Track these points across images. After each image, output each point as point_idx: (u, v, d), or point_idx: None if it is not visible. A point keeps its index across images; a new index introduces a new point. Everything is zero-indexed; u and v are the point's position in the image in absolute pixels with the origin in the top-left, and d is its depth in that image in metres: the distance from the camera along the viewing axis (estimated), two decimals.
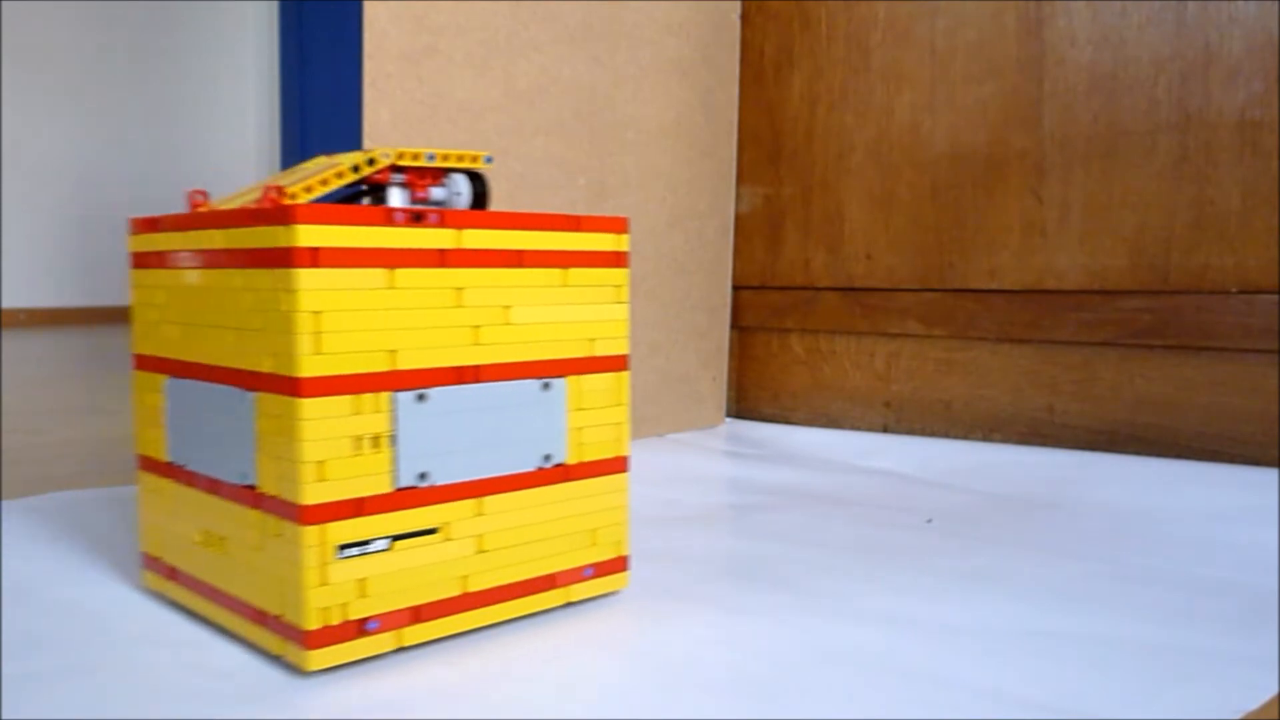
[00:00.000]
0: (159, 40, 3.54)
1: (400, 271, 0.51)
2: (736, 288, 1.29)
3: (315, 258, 0.48)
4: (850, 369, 1.20)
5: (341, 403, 0.49)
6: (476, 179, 0.58)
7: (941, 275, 1.14)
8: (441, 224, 0.52)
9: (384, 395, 0.50)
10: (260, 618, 0.51)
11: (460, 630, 0.53)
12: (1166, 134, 1.00)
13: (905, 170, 1.17)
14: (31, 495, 0.84)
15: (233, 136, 3.74)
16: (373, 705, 0.46)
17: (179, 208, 3.61)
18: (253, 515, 0.51)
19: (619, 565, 0.60)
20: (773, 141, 1.27)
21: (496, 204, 0.99)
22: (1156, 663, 0.50)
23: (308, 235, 0.48)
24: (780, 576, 0.64)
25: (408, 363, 0.51)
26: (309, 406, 0.48)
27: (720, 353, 1.26)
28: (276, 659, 0.51)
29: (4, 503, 0.80)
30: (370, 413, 0.50)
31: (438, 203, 0.58)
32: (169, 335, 0.57)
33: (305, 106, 3.60)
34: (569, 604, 0.59)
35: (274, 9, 3.73)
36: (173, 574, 0.58)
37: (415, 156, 0.56)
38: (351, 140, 3.40)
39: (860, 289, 1.19)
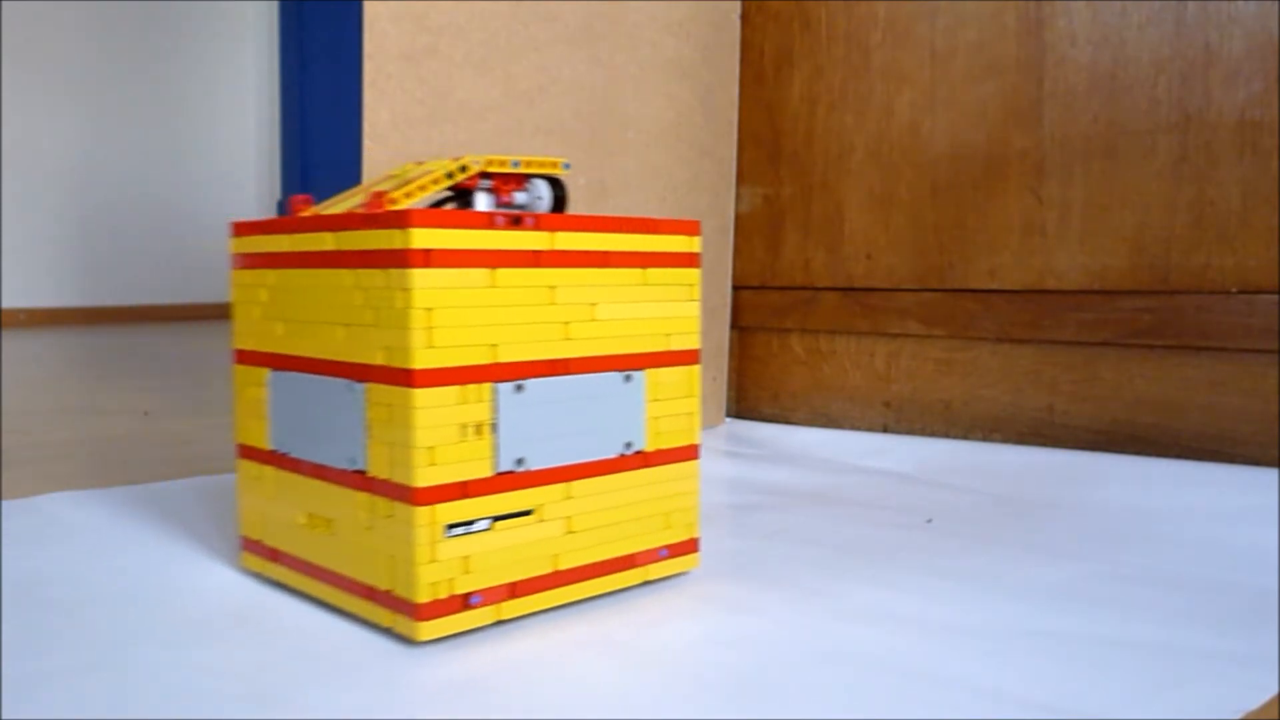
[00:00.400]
0: (159, 40, 3.54)
1: (501, 271, 0.54)
2: (736, 288, 1.29)
3: (428, 258, 0.51)
4: (850, 369, 1.20)
5: (450, 393, 0.52)
6: (556, 184, 0.62)
7: (941, 275, 1.14)
8: (536, 227, 0.56)
9: (486, 386, 0.54)
10: (370, 593, 0.54)
11: (551, 605, 0.57)
12: (1166, 134, 1.00)
13: (905, 170, 1.17)
14: (32, 495, 0.84)
15: (233, 136, 3.74)
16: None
17: (180, 208, 3.61)
18: (362, 498, 0.54)
19: (690, 546, 0.63)
20: (773, 141, 1.27)
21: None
22: (1156, 663, 0.50)
23: (421, 238, 0.51)
24: (779, 576, 0.64)
25: (507, 355, 0.55)
26: (421, 396, 0.51)
27: (720, 353, 1.26)
28: (385, 631, 0.54)
29: (4, 503, 0.80)
30: (474, 402, 0.53)
31: (520, 206, 0.61)
32: (273, 331, 0.60)
33: (305, 106, 3.60)
34: (646, 582, 0.62)
35: (274, 9, 3.74)
36: (274, 555, 0.61)
37: (501, 163, 0.60)
38: (352, 141, 3.40)
39: (860, 289, 1.19)
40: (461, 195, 0.61)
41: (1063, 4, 1.05)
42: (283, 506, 0.60)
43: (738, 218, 1.29)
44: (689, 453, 0.63)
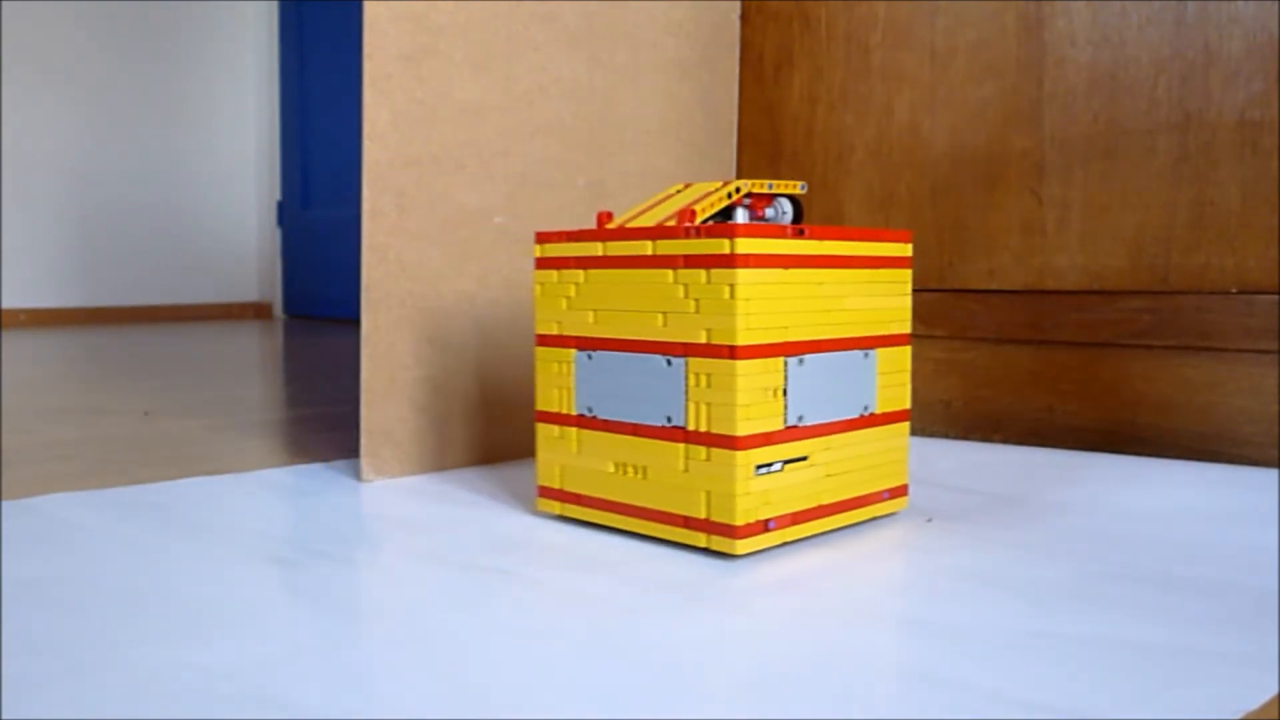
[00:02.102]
0: (159, 40, 3.54)
1: (790, 270, 0.69)
2: None
3: (748, 261, 0.67)
4: None
5: (758, 364, 0.67)
6: (795, 202, 0.78)
7: (941, 275, 1.14)
8: (809, 236, 0.71)
9: (780, 359, 0.69)
10: (686, 522, 0.69)
11: (814, 533, 0.73)
12: (1166, 134, 1.00)
13: (905, 171, 1.17)
14: (32, 496, 0.84)
15: (233, 136, 3.74)
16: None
17: (180, 208, 3.61)
18: (679, 447, 0.69)
19: (902, 491, 0.79)
20: (772, 142, 1.27)
21: (496, 207, 0.99)
22: (1156, 663, 0.50)
23: (744, 245, 0.66)
24: (777, 579, 0.64)
25: (793, 336, 0.70)
26: (742, 366, 0.66)
27: None
28: (701, 550, 0.69)
29: (4, 503, 0.80)
30: (773, 372, 0.68)
31: (769, 219, 0.77)
32: (582, 319, 0.75)
33: (305, 107, 3.60)
34: (874, 519, 0.78)
35: (274, 9, 3.73)
36: (576, 499, 0.76)
37: (759, 185, 0.76)
38: (351, 142, 3.40)
39: None
40: (724, 211, 0.76)
41: (1062, 4, 1.05)
42: (588, 458, 0.75)
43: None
44: (903, 415, 0.79)
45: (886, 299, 0.77)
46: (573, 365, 0.75)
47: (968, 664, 0.50)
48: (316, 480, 0.91)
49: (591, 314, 0.74)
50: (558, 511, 0.77)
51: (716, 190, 0.74)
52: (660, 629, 0.54)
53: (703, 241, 0.67)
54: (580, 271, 0.75)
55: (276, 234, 3.76)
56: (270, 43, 3.74)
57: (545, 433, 0.78)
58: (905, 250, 0.78)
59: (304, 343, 2.56)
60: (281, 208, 3.73)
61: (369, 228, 0.90)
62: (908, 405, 0.80)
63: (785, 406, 0.69)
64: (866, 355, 0.75)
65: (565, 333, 0.76)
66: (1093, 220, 1.04)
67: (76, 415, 1.29)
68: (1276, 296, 0.94)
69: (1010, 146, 1.09)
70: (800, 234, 0.70)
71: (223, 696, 0.46)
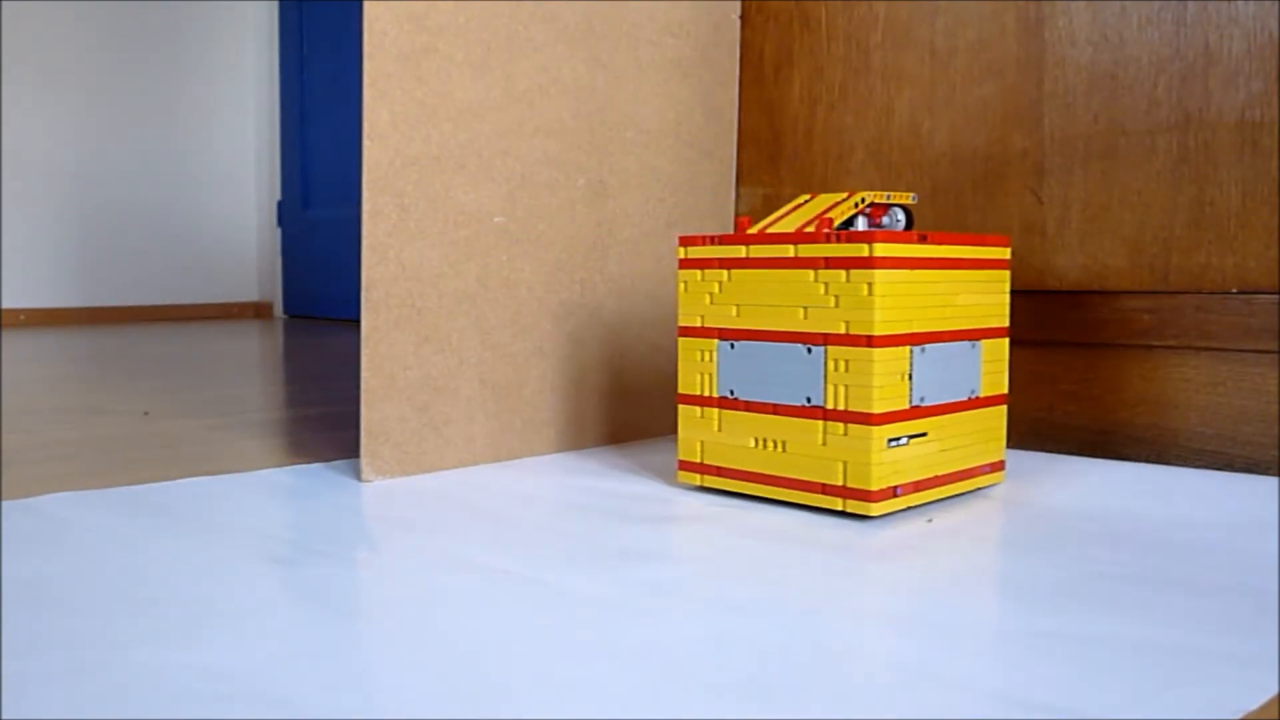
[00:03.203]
0: (159, 40, 3.54)
1: (914, 271, 0.79)
2: None
3: (884, 263, 0.77)
4: None
5: (889, 351, 0.78)
6: (907, 211, 0.89)
7: None
8: (929, 241, 0.81)
9: (905, 348, 0.79)
10: (824, 489, 0.80)
11: (931, 500, 0.83)
12: (1166, 134, 1.00)
13: (905, 171, 1.17)
14: (32, 496, 0.84)
15: (232, 136, 3.74)
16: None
17: (180, 208, 3.61)
18: (817, 424, 0.80)
19: (999, 466, 0.89)
20: (772, 142, 1.27)
21: (496, 207, 0.99)
22: (1156, 663, 0.50)
23: (881, 249, 0.77)
24: (775, 577, 0.64)
25: (916, 328, 0.80)
26: (878, 354, 0.77)
27: None
28: (838, 513, 0.80)
29: (4, 503, 0.80)
30: (900, 359, 0.79)
31: (885, 226, 0.88)
32: (723, 313, 0.85)
33: (305, 106, 3.60)
34: (978, 489, 0.88)
35: (274, 9, 3.74)
36: (717, 470, 0.86)
37: (879, 196, 0.87)
38: (351, 142, 3.40)
39: None
40: (848, 219, 0.86)
41: (1062, 4, 1.05)
42: (729, 435, 0.85)
43: (738, 218, 1.29)
44: (1001, 399, 0.89)
45: (989, 295, 0.87)
46: (715, 353, 0.86)
47: (966, 663, 0.50)
48: (316, 480, 0.91)
49: (735, 308, 0.85)
50: (698, 482, 0.88)
51: (844, 200, 0.86)
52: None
53: (844, 245, 0.78)
54: (724, 271, 0.85)
55: (277, 234, 3.76)
56: (270, 43, 3.75)
57: (687, 413, 0.88)
58: (1004, 253, 0.88)
59: (304, 343, 2.56)
60: (281, 207, 3.73)
61: (369, 227, 0.90)
62: (1005, 390, 0.89)
63: (910, 389, 0.80)
64: (973, 346, 0.85)
65: (708, 324, 0.87)
66: (1093, 220, 1.04)
67: (76, 415, 1.29)
68: (1276, 296, 0.94)
69: (1010, 146, 1.09)
70: (923, 239, 0.80)
71: (222, 696, 0.46)
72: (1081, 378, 1.05)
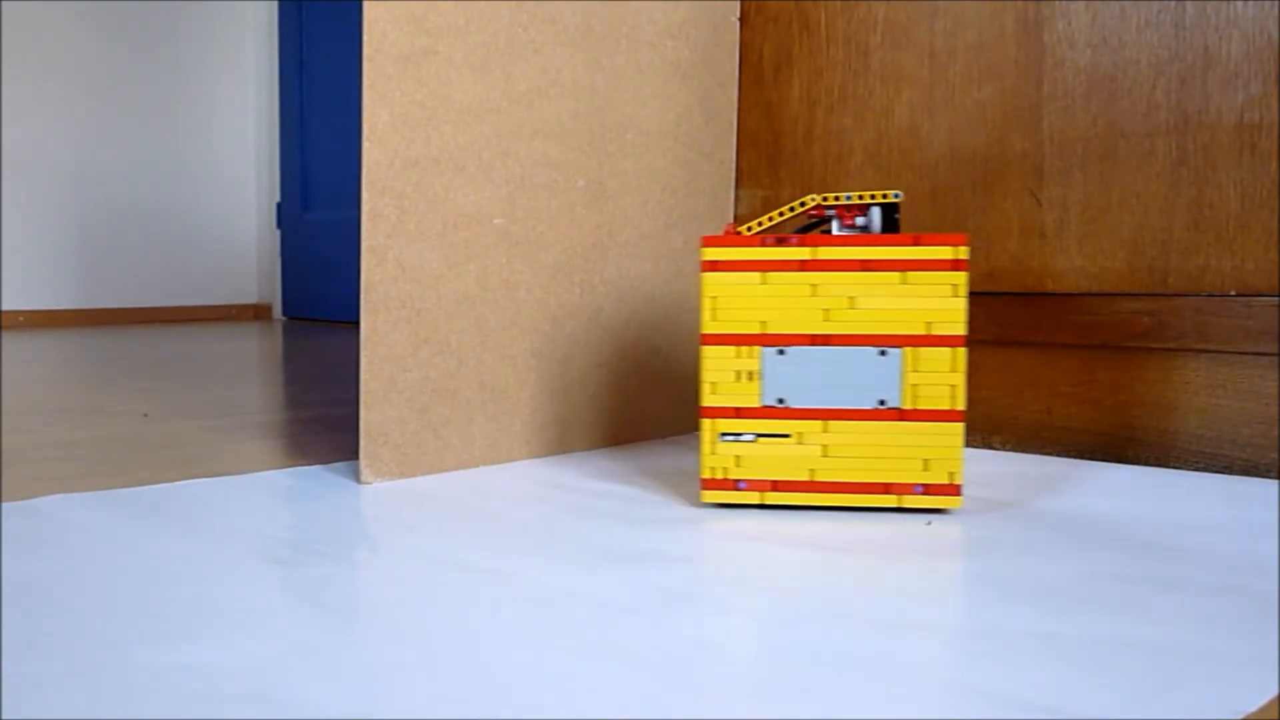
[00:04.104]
0: (158, 40, 3.54)
1: (772, 274, 0.80)
2: None
3: (713, 265, 0.81)
4: None
5: (722, 350, 0.81)
6: (889, 209, 0.82)
7: None
8: (800, 244, 0.80)
9: (753, 348, 0.81)
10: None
11: (812, 505, 0.81)
12: (1165, 136, 1.00)
13: (904, 173, 1.17)
14: (32, 497, 0.84)
15: (232, 138, 3.74)
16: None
17: (179, 210, 3.61)
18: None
19: (951, 490, 0.80)
20: (772, 143, 1.27)
21: (495, 209, 0.99)
22: (1156, 664, 0.50)
23: (711, 253, 0.81)
24: (772, 579, 0.64)
25: (775, 329, 0.81)
26: (707, 351, 0.81)
27: None
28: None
29: (4, 503, 0.80)
30: (743, 358, 0.81)
31: (861, 228, 0.83)
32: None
33: (304, 108, 3.60)
34: (902, 509, 0.82)
35: (274, 9, 3.74)
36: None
37: (836, 198, 0.83)
38: (351, 143, 3.40)
39: None
40: (823, 222, 0.85)
41: (1062, 6, 1.06)
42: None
43: (737, 220, 1.29)
44: (951, 415, 0.80)
45: (917, 300, 0.80)
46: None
47: (967, 664, 0.50)
48: (316, 482, 0.91)
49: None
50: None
51: (800, 206, 0.85)
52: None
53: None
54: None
55: (276, 236, 3.76)
56: (270, 43, 3.75)
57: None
58: (957, 253, 0.79)
59: (303, 344, 2.56)
60: (281, 209, 3.73)
61: (368, 229, 0.90)
62: (958, 406, 0.80)
63: (761, 389, 0.81)
64: (884, 352, 0.80)
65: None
66: (1092, 222, 1.05)
67: (76, 416, 1.29)
68: (1276, 298, 0.94)
69: (1009, 148, 1.09)
70: (781, 242, 0.80)
71: (222, 697, 0.46)
72: (1081, 380, 1.05)
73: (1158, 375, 1.00)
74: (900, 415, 0.80)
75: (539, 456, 1.05)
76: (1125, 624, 0.56)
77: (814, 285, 0.80)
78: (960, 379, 0.79)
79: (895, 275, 0.79)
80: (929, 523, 0.78)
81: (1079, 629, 0.55)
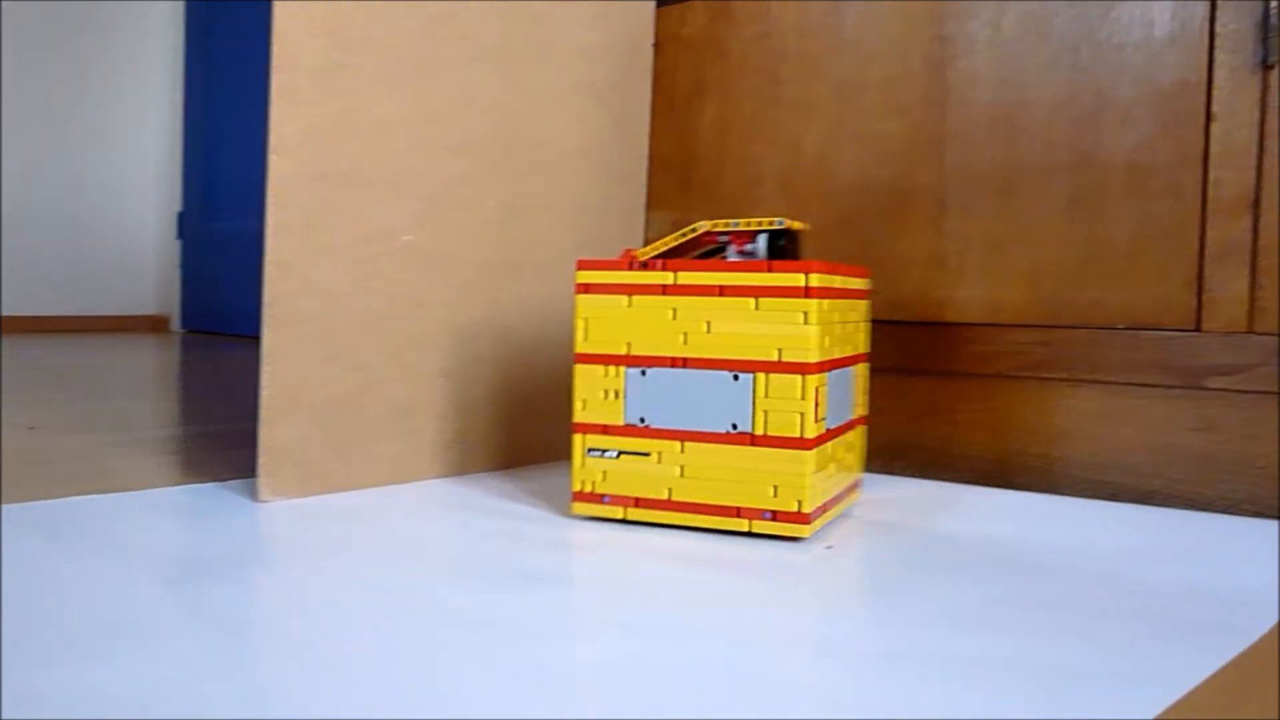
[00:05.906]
0: (56, 36, 3.43)
1: (636, 298, 0.83)
2: None
3: (584, 288, 0.85)
4: None
5: (589, 369, 0.85)
6: (774, 236, 0.83)
7: None
8: (663, 269, 0.82)
9: (617, 368, 0.84)
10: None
11: (671, 522, 0.83)
12: (1061, 174, 1.04)
13: (813, 201, 1.19)
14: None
15: (133, 142, 3.63)
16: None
17: (76, 216, 3.49)
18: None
19: (799, 518, 0.79)
20: (683, 168, 1.28)
21: (405, 225, 0.98)
22: (1047, 683, 0.51)
23: (585, 276, 0.85)
24: (675, 599, 0.64)
25: (637, 350, 0.83)
26: (578, 369, 0.85)
27: None
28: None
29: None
30: (608, 377, 0.84)
31: (750, 254, 0.84)
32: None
33: (211, 113, 3.52)
34: (751, 533, 0.82)
35: (179, 12, 3.65)
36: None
37: (725, 224, 0.85)
38: (256, 155, 3.33)
39: None
40: (721, 249, 0.86)
41: (965, 46, 1.09)
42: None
43: (647, 243, 1.29)
44: (798, 443, 0.79)
45: (773, 326, 0.79)
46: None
47: (858, 684, 0.51)
48: (212, 500, 0.89)
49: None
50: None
51: (687, 231, 0.87)
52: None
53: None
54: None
55: (176, 246, 3.66)
56: (175, 45, 3.66)
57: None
58: (806, 281, 0.78)
59: (201, 358, 2.49)
60: (182, 218, 3.63)
61: (273, 243, 0.89)
62: (805, 434, 0.78)
63: (624, 407, 0.83)
64: (736, 377, 0.80)
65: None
66: (991, 255, 1.08)
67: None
68: (1160, 332, 0.98)
69: (914, 181, 1.12)
70: (644, 267, 0.83)
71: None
72: (979, 408, 1.08)
73: (1051, 404, 1.04)
74: (752, 440, 0.80)
75: (444, 476, 1.04)
76: (1018, 644, 0.57)
77: (675, 309, 0.82)
78: (809, 407, 0.78)
79: (749, 301, 0.80)
80: (829, 546, 0.79)
81: (974, 650, 0.56)
